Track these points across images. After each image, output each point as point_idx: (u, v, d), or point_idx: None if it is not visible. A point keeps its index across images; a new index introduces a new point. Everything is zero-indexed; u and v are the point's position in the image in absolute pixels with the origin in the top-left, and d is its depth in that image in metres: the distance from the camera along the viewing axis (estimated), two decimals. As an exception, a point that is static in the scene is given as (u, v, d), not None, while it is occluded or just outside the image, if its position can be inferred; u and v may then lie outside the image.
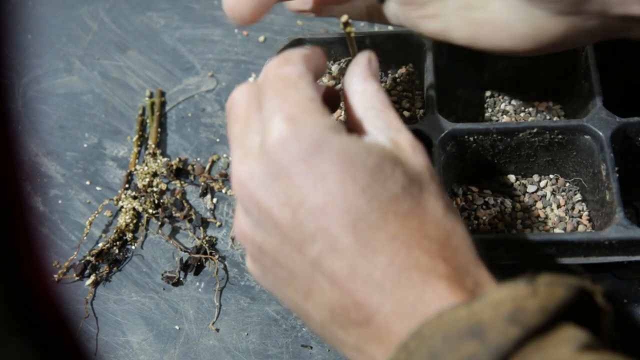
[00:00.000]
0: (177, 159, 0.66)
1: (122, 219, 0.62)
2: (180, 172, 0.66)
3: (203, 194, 0.64)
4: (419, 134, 0.55)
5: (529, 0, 0.44)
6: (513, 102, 0.62)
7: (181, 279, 0.60)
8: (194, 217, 0.63)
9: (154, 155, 0.66)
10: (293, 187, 0.38)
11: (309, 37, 0.61)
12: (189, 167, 0.66)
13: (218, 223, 0.63)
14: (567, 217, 0.56)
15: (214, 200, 0.64)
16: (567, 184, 0.58)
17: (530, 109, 0.61)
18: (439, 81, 0.57)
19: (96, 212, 0.63)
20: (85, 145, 0.68)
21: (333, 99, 0.47)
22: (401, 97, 0.60)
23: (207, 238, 0.62)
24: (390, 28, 0.72)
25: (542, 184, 0.58)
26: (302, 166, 0.38)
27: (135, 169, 0.65)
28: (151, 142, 0.66)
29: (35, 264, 0.32)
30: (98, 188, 0.66)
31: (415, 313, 0.35)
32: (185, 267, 0.61)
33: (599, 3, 0.42)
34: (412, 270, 0.36)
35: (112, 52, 0.74)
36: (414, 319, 0.35)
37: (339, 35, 0.61)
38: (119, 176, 0.66)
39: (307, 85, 0.41)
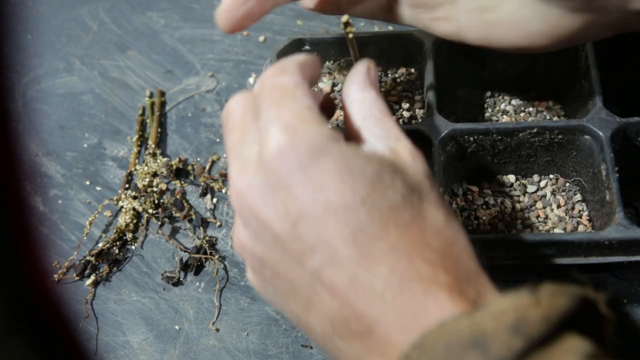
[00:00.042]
0: (177, 159, 0.66)
1: (122, 219, 0.62)
2: (180, 172, 0.66)
3: (203, 194, 0.64)
4: (419, 134, 0.55)
5: None
6: (513, 102, 0.62)
7: (181, 279, 0.60)
8: (194, 217, 0.63)
9: (154, 155, 0.66)
10: (292, 198, 0.37)
11: (309, 37, 0.61)
12: (189, 167, 0.66)
13: (218, 223, 0.63)
14: (567, 217, 0.56)
15: (214, 200, 0.64)
16: (567, 184, 0.58)
17: (530, 109, 0.61)
18: (439, 81, 0.57)
19: (96, 212, 0.63)
20: (85, 145, 0.68)
21: (329, 106, 0.47)
22: (401, 97, 0.60)
23: (207, 238, 0.62)
24: (390, 28, 0.72)
25: (542, 184, 0.58)
26: (300, 177, 0.37)
27: (135, 169, 0.65)
28: (151, 142, 0.66)
29: (35, 264, 0.32)
30: (98, 188, 0.66)
31: (417, 324, 0.35)
32: (185, 267, 0.61)
33: None
34: (413, 281, 0.35)
35: (112, 52, 0.74)
36: (416, 330, 0.34)
37: (339, 35, 0.61)
38: (119, 176, 0.66)
39: (304, 95, 0.40)
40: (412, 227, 0.37)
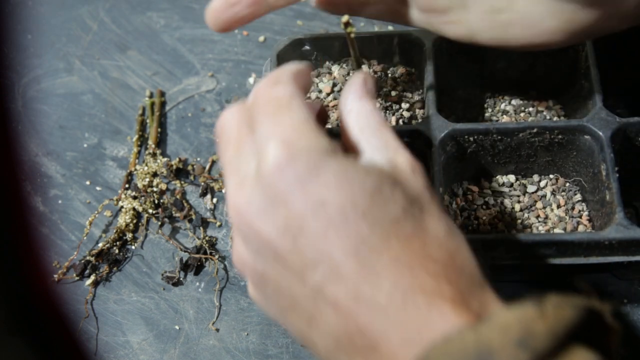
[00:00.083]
0: (177, 159, 0.66)
1: (122, 219, 0.62)
2: (180, 172, 0.66)
3: (203, 194, 0.64)
4: (419, 134, 0.55)
5: None
6: (513, 102, 0.62)
7: (181, 279, 0.60)
8: (194, 217, 0.63)
9: (154, 155, 0.66)
10: (292, 213, 0.37)
11: (309, 37, 0.61)
12: (189, 167, 0.66)
13: (218, 223, 0.63)
14: (567, 217, 0.56)
15: (214, 200, 0.64)
16: (567, 184, 0.58)
17: (530, 109, 0.61)
18: (439, 81, 0.57)
19: (96, 212, 0.63)
20: (85, 145, 0.68)
21: (323, 115, 0.46)
22: (401, 97, 0.60)
23: (207, 238, 0.62)
24: (390, 28, 0.72)
25: (542, 184, 0.58)
26: (300, 191, 0.37)
27: (135, 169, 0.65)
28: (151, 142, 0.66)
29: (35, 264, 0.32)
30: (98, 188, 0.66)
31: (421, 338, 0.34)
32: (185, 267, 0.61)
33: None
34: (416, 293, 0.35)
35: (112, 52, 0.74)
36: (421, 344, 0.34)
37: (339, 35, 0.61)
38: (119, 176, 0.66)
39: (300, 107, 0.40)
40: (414, 239, 0.37)
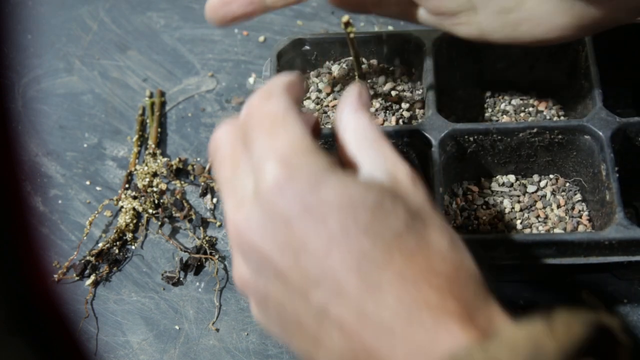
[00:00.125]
0: (177, 159, 0.66)
1: (122, 219, 0.62)
2: (180, 172, 0.66)
3: (203, 194, 0.64)
4: (419, 134, 0.55)
5: None
6: (513, 102, 0.62)
7: (181, 279, 0.60)
8: (194, 217, 0.63)
9: (154, 155, 0.66)
10: (293, 232, 0.36)
11: (309, 37, 0.61)
12: (189, 167, 0.66)
13: (218, 223, 0.63)
14: (567, 217, 0.56)
15: (214, 200, 0.64)
16: (567, 184, 0.58)
17: (530, 109, 0.61)
18: (439, 81, 0.57)
19: (96, 212, 0.63)
20: (85, 145, 0.68)
21: (317, 128, 0.46)
22: (401, 97, 0.60)
23: (207, 238, 0.62)
24: (390, 28, 0.72)
25: (542, 184, 0.58)
26: (300, 210, 0.36)
27: (135, 169, 0.65)
28: (151, 142, 0.66)
29: (35, 264, 0.31)
30: (98, 188, 0.66)
31: (429, 356, 0.34)
32: (185, 267, 0.61)
33: None
34: (422, 310, 0.34)
35: (112, 52, 0.74)
36: None
37: (339, 35, 0.61)
38: (119, 176, 0.66)
39: (295, 122, 0.39)
40: (417, 253, 0.36)
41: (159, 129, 0.68)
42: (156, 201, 0.63)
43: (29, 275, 0.31)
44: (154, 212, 0.63)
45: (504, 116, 0.61)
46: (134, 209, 0.63)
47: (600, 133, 0.53)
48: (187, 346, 0.57)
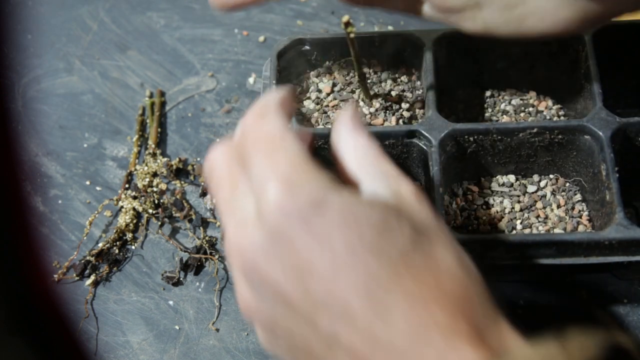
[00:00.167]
0: (177, 159, 0.66)
1: (122, 219, 0.62)
2: (180, 172, 0.66)
3: (203, 194, 0.64)
4: (419, 134, 0.55)
5: None
6: (513, 102, 0.62)
7: (181, 279, 0.60)
8: (194, 217, 0.63)
9: (154, 155, 0.66)
10: (297, 253, 0.35)
11: (309, 37, 0.61)
12: (189, 167, 0.66)
13: (218, 223, 0.63)
14: (567, 217, 0.56)
15: (214, 200, 0.64)
16: (567, 184, 0.58)
17: (530, 109, 0.61)
18: (439, 81, 0.57)
19: (96, 212, 0.63)
20: (85, 145, 0.68)
21: (312, 145, 0.44)
22: (401, 97, 0.60)
23: (207, 238, 0.62)
24: (390, 28, 0.72)
25: (542, 184, 0.58)
26: (304, 231, 0.35)
27: (135, 169, 0.65)
28: (151, 142, 0.66)
29: (35, 264, 0.31)
30: (98, 188, 0.66)
31: None
32: (185, 267, 0.61)
33: None
34: (432, 330, 0.34)
35: (112, 52, 0.74)
36: None
37: (339, 35, 0.61)
38: (119, 176, 0.66)
39: (293, 141, 0.38)
40: (425, 272, 0.35)
41: (159, 129, 0.68)
42: (156, 201, 0.63)
43: (29, 275, 0.31)
44: (154, 212, 0.63)
45: (504, 116, 0.61)
46: (134, 209, 0.63)
47: (600, 133, 0.53)
48: (187, 346, 0.57)
